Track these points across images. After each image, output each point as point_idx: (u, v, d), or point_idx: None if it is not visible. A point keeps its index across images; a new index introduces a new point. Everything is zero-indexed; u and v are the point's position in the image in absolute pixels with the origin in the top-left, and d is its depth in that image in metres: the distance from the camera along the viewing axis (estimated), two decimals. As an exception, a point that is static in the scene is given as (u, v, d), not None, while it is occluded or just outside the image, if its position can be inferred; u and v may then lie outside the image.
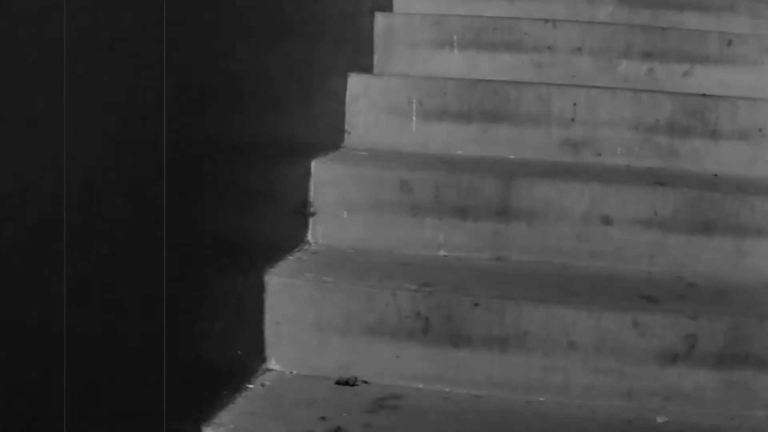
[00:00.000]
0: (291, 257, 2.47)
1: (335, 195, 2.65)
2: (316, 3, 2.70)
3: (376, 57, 3.40)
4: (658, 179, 2.66)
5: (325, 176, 2.65)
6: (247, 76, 2.16)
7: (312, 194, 2.65)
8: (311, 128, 2.72)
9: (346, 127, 3.03)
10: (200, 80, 1.88)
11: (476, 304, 2.21)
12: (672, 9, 3.72)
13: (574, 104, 2.94)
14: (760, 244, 2.54)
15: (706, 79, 3.31)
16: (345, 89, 3.03)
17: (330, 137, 2.93)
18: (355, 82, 3.03)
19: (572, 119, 2.94)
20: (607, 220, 2.53)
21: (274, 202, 2.42)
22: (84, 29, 1.33)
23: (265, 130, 2.32)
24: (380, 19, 3.40)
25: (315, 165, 2.65)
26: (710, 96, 2.99)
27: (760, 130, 2.93)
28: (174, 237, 1.74)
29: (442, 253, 2.59)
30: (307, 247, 2.60)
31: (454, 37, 3.35)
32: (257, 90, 2.23)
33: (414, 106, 2.99)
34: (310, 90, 2.68)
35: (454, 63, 3.36)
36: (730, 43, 3.31)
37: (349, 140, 3.03)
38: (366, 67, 3.33)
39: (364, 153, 2.90)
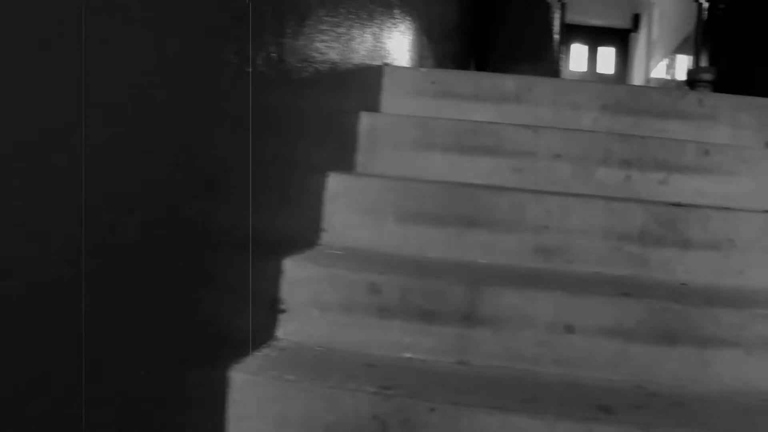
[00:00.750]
0: (258, 353, 2.50)
1: (307, 294, 2.68)
2: (302, 101, 2.76)
3: (359, 156, 3.46)
4: (624, 290, 2.69)
5: (297, 275, 2.69)
6: (223, 168, 2.22)
7: (283, 291, 2.69)
8: (287, 225, 2.76)
9: (324, 226, 3.07)
10: (172, 167, 1.93)
11: (432, 409, 2.23)
12: (654, 117, 3.79)
13: (548, 212, 2.99)
14: (723, 354, 2.57)
15: (682, 187, 3.37)
16: (324, 187, 3.07)
17: (306, 235, 2.98)
18: (334, 181, 3.08)
19: (545, 226, 2.99)
20: (570, 329, 2.56)
21: (244, 298, 2.45)
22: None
23: (237, 224, 2.36)
24: (365, 119, 3.47)
25: (288, 263, 2.69)
26: (682, 206, 3.03)
27: (731, 240, 2.98)
28: (138, 329, 1.78)
29: (407, 355, 2.62)
30: (275, 343, 2.63)
31: (437, 140, 3.42)
32: (232, 182, 2.28)
33: (390, 207, 3.04)
34: (289, 187, 2.73)
35: (437, 165, 3.42)
36: (707, 152, 3.36)
37: (326, 238, 3.07)
38: (349, 166, 3.39)
39: (338, 252, 2.95)
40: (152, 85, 1.78)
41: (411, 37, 4.52)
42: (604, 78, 16.07)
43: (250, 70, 2.29)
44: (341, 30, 3.09)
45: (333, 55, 3.01)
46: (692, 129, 3.78)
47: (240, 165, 2.32)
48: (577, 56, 16.20)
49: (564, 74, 11.03)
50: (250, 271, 2.45)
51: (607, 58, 16.24)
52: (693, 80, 5.05)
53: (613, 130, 3.74)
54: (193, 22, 1.96)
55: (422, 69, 3.98)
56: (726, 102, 3.85)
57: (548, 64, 8.75)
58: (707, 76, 4.94)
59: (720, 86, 4.90)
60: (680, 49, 9.29)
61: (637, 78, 14.42)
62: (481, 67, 8.30)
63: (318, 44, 2.83)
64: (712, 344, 2.58)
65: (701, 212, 3.01)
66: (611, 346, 2.58)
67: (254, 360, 2.45)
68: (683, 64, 9.05)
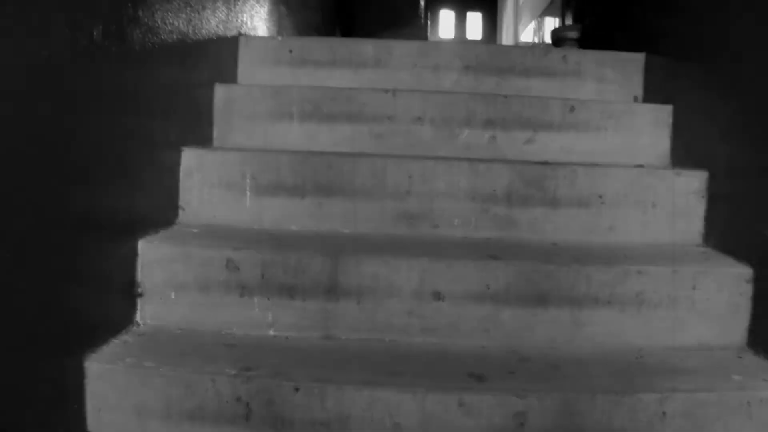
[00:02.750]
0: (116, 340, 2.37)
1: (163, 275, 2.56)
2: (147, 75, 2.60)
3: (215, 129, 3.32)
4: (492, 252, 2.61)
5: (152, 256, 2.56)
6: (66, 148, 2.07)
7: (140, 274, 2.56)
8: (139, 205, 2.61)
9: (180, 203, 2.94)
10: (13, 150, 1.81)
11: (297, 389, 2.13)
12: (518, 75, 3.71)
13: (410, 176, 2.89)
14: (596, 314, 2.51)
15: (549, 145, 3.30)
16: (179, 164, 2.92)
17: (162, 214, 2.83)
18: (188, 156, 2.95)
19: (408, 191, 2.89)
20: (438, 296, 2.47)
21: (97, 283, 2.31)
22: None
23: (86, 206, 2.21)
24: (220, 91, 3.32)
25: (142, 244, 2.56)
26: (549, 164, 2.96)
27: (600, 196, 2.92)
28: None
29: (271, 333, 2.50)
30: (135, 328, 2.50)
31: (294, 108, 3.29)
32: (77, 163, 2.14)
33: (248, 181, 2.91)
34: (138, 166, 2.57)
35: (294, 135, 3.29)
36: (572, 109, 3.30)
37: (183, 216, 2.94)
38: (205, 140, 3.24)
39: (195, 230, 2.81)
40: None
41: (268, 7, 4.37)
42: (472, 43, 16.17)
43: (85, 43, 2.13)
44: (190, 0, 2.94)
45: (181, 26, 2.86)
46: (557, 86, 3.71)
47: (84, 144, 2.18)
48: (445, 22, 16.18)
49: (431, 40, 11.00)
50: (100, 254, 2.31)
51: (475, 24, 16.27)
52: (558, 38, 4.99)
53: (477, 91, 3.64)
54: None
55: (279, 38, 3.83)
56: (590, 57, 3.78)
57: (415, 30, 8.69)
58: (572, 34, 4.89)
59: (586, 44, 4.84)
60: (547, 11, 9.31)
61: (505, 42, 14.48)
62: (347, 35, 8.20)
63: (163, 14, 2.68)
64: (585, 304, 2.52)
65: (569, 169, 2.94)
66: (481, 312, 2.50)
67: (111, 348, 2.32)
68: (551, 27, 9.06)
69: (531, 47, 3.57)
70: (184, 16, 2.88)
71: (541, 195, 2.91)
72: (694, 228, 2.98)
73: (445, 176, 2.91)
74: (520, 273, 2.50)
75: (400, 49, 3.75)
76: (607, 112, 3.34)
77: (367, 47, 3.74)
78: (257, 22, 4.08)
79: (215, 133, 3.32)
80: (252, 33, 3.94)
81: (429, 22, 8.48)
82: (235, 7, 3.63)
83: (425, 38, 8.79)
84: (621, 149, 3.33)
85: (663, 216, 2.96)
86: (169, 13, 2.74)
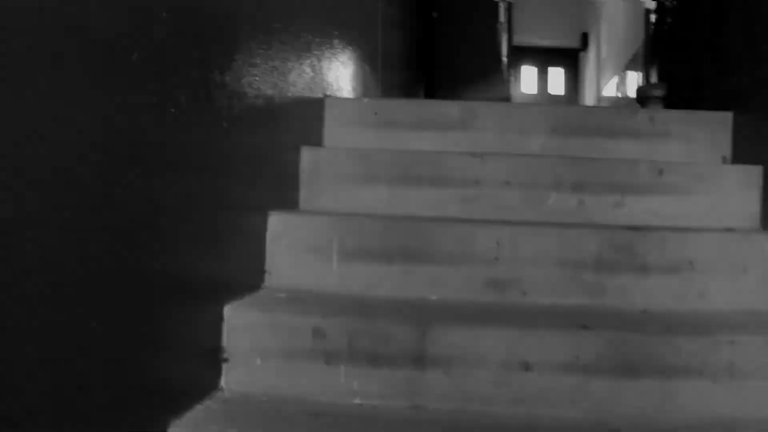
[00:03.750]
0: (200, 406, 2.35)
1: (249, 341, 2.54)
2: (234, 138, 2.63)
3: (302, 193, 3.33)
4: (581, 321, 2.56)
5: (238, 321, 2.56)
6: (155, 212, 2.10)
7: (225, 340, 2.55)
8: (226, 269, 2.62)
9: (267, 267, 2.94)
10: (99, 213, 1.82)
11: (384, 461, 2.10)
12: (605, 137, 3.68)
13: (498, 243, 2.87)
14: (687, 384, 2.45)
15: (637, 208, 3.26)
16: (265, 228, 2.93)
17: (248, 277, 2.83)
18: (275, 221, 2.95)
19: (496, 258, 2.87)
20: (526, 366, 2.43)
21: (182, 348, 2.32)
22: None
23: (173, 271, 2.23)
24: (306, 154, 3.33)
25: (228, 309, 2.56)
26: (638, 229, 2.92)
27: (690, 262, 2.88)
28: (71, 384, 1.68)
29: (357, 401, 2.47)
30: (219, 394, 2.48)
31: (380, 172, 3.29)
32: (164, 227, 2.16)
33: (335, 245, 2.91)
34: (225, 230, 2.58)
35: (381, 199, 3.29)
36: (661, 171, 3.26)
37: (270, 280, 2.93)
38: (291, 204, 3.25)
39: (282, 295, 2.80)
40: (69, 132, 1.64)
41: (353, 67, 4.39)
42: (555, 99, 16.05)
43: (173, 109, 2.16)
44: (275, 63, 2.96)
45: (267, 90, 2.88)
46: (645, 147, 3.67)
47: (172, 209, 2.20)
48: (527, 78, 16.14)
49: (514, 96, 10.97)
50: (187, 319, 2.32)
51: (557, 79, 16.20)
52: (643, 97, 4.94)
53: (564, 153, 3.62)
54: (110, 65, 1.82)
55: (364, 99, 3.84)
56: (677, 118, 3.74)
57: (497, 86, 8.69)
58: (658, 92, 4.84)
59: (671, 102, 4.79)
60: (630, 65, 9.24)
61: (588, 97, 14.41)
62: (431, 93, 8.22)
63: (250, 78, 2.70)
64: (676, 374, 2.46)
65: (658, 235, 2.90)
66: (570, 382, 2.45)
67: (195, 414, 2.30)
68: (634, 81, 9.00)
69: (618, 109, 3.53)
70: (270, 80, 2.91)
71: (630, 261, 2.87)
72: None
73: (533, 243, 2.88)
74: (609, 343, 2.46)
75: (485, 111, 3.74)
76: (695, 175, 3.29)
77: (452, 109, 3.74)
78: (342, 83, 4.10)
79: (302, 197, 3.33)
80: (337, 94, 3.96)
81: (511, 78, 8.50)
82: (320, 69, 3.65)
83: (508, 94, 8.76)
84: (710, 212, 3.28)
85: (754, 281, 2.91)
86: (256, 78, 2.76)
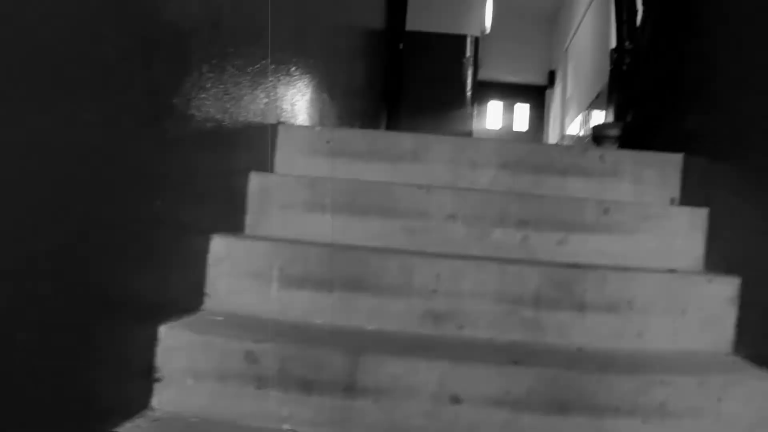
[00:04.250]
0: (130, 424, 2.35)
1: (182, 362, 2.54)
2: (180, 161, 2.65)
3: (249, 217, 3.32)
4: (515, 357, 2.57)
5: (172, 342, 2.55)
6: (92, 231, 2.10)
7: (159, 359, 2.55)
8: (163, 290, 2.61)
9: (207, 290, 2.93)
10: (38, 230, 1.83)
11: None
12: (554, 174, 3.69)
13: (438, 276, 2.87)
14: (617, 423, 2.46)
15: (581, 247, 3.27)
16: (207, 250, 2.94)
17: (187, 299, 2.83)
18: (218, 244, 2.95)
19: (434, 290, 2.87)
20: (456, 399, 2.43)
21: (114, 365, 2.31)
22: None
23: (108, 289, 2.23)
24: (255, 179, 3.33)
25: (163, 329, 2.56)
26: (579, 267, 2.94)
27: (629, 302, 2.89)
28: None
29: (286, 427, 2.47)
30: (150, 413, 2.48)
31: (327, 200, 3.29)
32: (102, 245, 2.17)
33: (275, 271, 2.91)
34: (162, 249, 2.57)
35: (327, 227, 3.29)
36: (606, 210, 3.27)
37: (209, 303, 2.93)
38: (237, 228, 3.25)
39: (219, 318, 2.80)
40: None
41: (310, 95, 4.40)
42: (519, 135, 16.09)
43: (117, 130, 2.17)
44: (227, 87, 2.97)
45: (217, 114, 2.88)
46: (594, 186, 3.68)
47: (110, 226, 2.20)
48: (492, 113, 16.21)
49: (477, 131, 11.00)
50: (120, 338, 2.33)
51: (522, 115, 16.27)
52: (598, 136, 4.97)
53: (513, 188, 3.64)
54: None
55: (317, 128, 3.84)
56: (628, 158, 3.75)
57: (461, 120, 8.73)
58: (612, 132, 4.87)
59: (626, 142, 4.82)
60: (594, 105, 9.29)
61: (552, 134, 14.48)
62: (393, 124, 8.24)
63: (199, 102, 2.70)
64: (607, 413, 2.47)
65: (599, 273, 2.91)
66: (500, 417, 2.45)
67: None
68: (597, 120, 9.05)
69: (569, 147, 3.53)
70: (221, 104, 2.91)
71: (569, 299, 2.88)
72: (725, 336, 2.91)
73: (473, 276, 2.89)
74: (541, 379, 2.46)
75: (438, 144, 3.74)
76: (641, 215, 3.30)
77: (405, 141, 3.74)
78: (298, 110, 4.11)
79: (248, 221, 3.33)
80: (292, 121, 3.96)
81: (475, 113, 8.56)
82: (275, 95, 3.66)
83: (471, 129, 8.77)
84: (655, 252, 3.29)
85: (693, 323, 2.91)
86: (206, 101, 2.76)
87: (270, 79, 3.56)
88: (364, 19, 6.80)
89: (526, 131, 16.16)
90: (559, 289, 2.88)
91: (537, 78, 15.51)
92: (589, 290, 2.88)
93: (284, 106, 3.84)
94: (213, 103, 2.84)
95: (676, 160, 3.72)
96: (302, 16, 4.19)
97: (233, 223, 3.24)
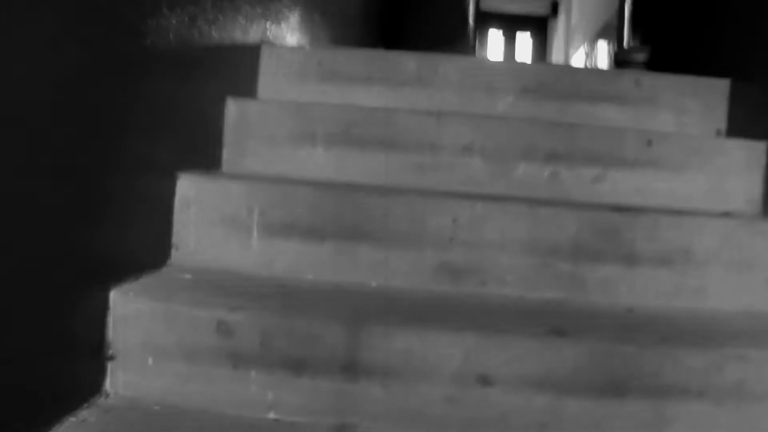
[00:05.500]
0: (73, 419, 1.83)
1: (140, 335, 2.02)
2: (130, 89, 2.11)
3: (225, 152, 2.80)
4: (555, 323, 2.06)
5: (127, 310, 2.04)
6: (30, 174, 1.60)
7: (111, 333, 2.03)
8: (117, 244, 2.09)
9: (174, 241, 2.42)
10: None
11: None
12: (583, 101, 3.16)
13: (455, 220, 2.35)
14: (685, 407, 1.97)
15: (621, 185, 2.77)
16: (173, 193, 2.41)
17: (149, 254, 2.32)
18: (185, 185, 2.43)
19: (451, 239, 2.35)
20: (485, 380, 1.91)
21: (57, 342, 1.80)
22: None
23: (46, 244, 1.73)
24: (233, 107, 2.80)
25: (115, 295, 2.03)
26: (626, 211, 2.42)
27: (686, 252, 2.39)
28: None
29: (271, 416, 1.96)
30: (102, 400, 1.97)
31: (318, 130, 2.75)
32: (42, 190, 1.68)
33: (255, 217, 2.39)
34: (117, 195, 2.06)
35: (319, 162, 2.77)
36: (650, 143, 2.75)
37: (176, 258, 2.42)
38: (212, 164, 2.74)
39: (187, 276, 2.28)
40: None
41: (299, 13, 3.84)
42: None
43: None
44: (200, 1, 2.43)
45: (186, 31, 2.37)
46: (629, 115, 3.16)
47: (53, 171, 1.72)
48: (493, 44, 15.66)
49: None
50: (61, 305, 1.81)
51: (524, 46, 15.73)
52: (623, 61, 4.42)
53: (536, 118, 3.09)
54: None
55: (307, 47, 3.27)
56: (667, 83, 3.22)
57: (463, 49, 8.20)
58: (639, 57, 4.33)
59: (655, 68, 4.27)
60: (601, 34, 8.78)
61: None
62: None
63: (162, 19, 2.17)
64: (672, 395, 1.96)
65: (650, 218, 2.41)
66: (540, 402, 1.94)
67: (67, 428, 1.78)
68: (604, 51, 8.56)
69: (600, 70, 3.00)
70: (192, 21, 2.42)
71: (614, 249, 2.38)
72: None
73: (497, 222, 2.38)
74: (591, 355, 1.94)
75: (447, 65, 3.20)
76: (690, 148, 2.80)
77: (408, 62, 3.19)
78: (285, 30, 3.56)
79: (225, 157, 2.81)
80: (278, 41, 3.41)
81: (477, 42, 8.04)
82: (258, 11, 3.11)
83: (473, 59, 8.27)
84: (705, 192, 2.81)
85: (762, 279, 2.44)
86: (172, 21, 2.26)
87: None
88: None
89: (528, 63, 15.66)
90: (603, 238, 2.38)
91: (539, 8, 14.97)
92: (638, 239, 2.39)
93: (268, 25, 3.28)
94: (181, 21, 2.32)
95: (721, 87, 3.21)
96: None
97: (208, 159, 2.73)
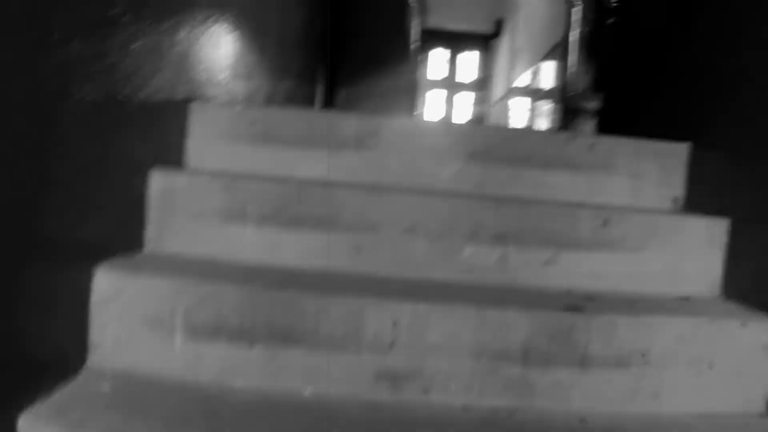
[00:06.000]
0: None
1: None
2: (32, 156, 1.89)
3: (149, 230, 2.59)
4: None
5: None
6: None
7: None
8: (19, 352, 1.86)
9: (93, 339, 2.21)
10: None
11: None
12: (534, 167, 2.97)
13: (395, 323, 2.15)
14: None
15: (574, 268, 2.58)
16: (89, 288, 2.19)
17: (63, 359, 2.09)
18: (103, 280, 2.21)
19: (391, 344, 2.16)
20: None
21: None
22: None
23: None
24: (158, 180, 2.59)
25: (23, 423, 1.84)
26: (580, 311, 2.23)
27: (643, 354, 2.22)
28: None
29: None
30: None
31: (250, 208, 2.55)
32: None
33: (179, 318, 2.18)
34: (25, 292, 1.84)
35: (250, 242, 2.56)
36: (606, 222, 2.58)
37: (94, 360, 2.22)
38: (134, 244, 2.53)
39: (105, 389, 2.07)
40: None
41: (232, 59, 3.62)
42: (463, 85, 15.39)
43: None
44: (113, 54, 2.22)
45: (104, 89, 2.16)
46: (582, 182, 2.98)
47: None
48: (437, 62, 15.47)
49: (422, 82, 10.26)
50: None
51: (468, 64, 15.54)
52: (574, 108, 4.25)
53: (484, 184, 2.92)
54: None
55: (238, 107, 3.04)
56: (623, 147, 3.03)
57: (405, 72, 8.01)
58: (591, 105, 4.16)
59: (606, 118, 4.10)
60: (548, 58, 8.63)
61: (499, 86, 13.80)
62: (333, 79, 7.52)
63: (76, 75, 1.98)
64: None
65: (606, 320, 2.24)
66: None
67: None
68: (549, 73, 8.41)
69: (553, 133, 2.82)
70: (106, 77, 2.20)
71: (568, 352, 2.20)
72: (758, 393, 2.31)
73: (441, 325, 2.19)
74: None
75: (390, 129, 2.99)
76: (648, 227, 2.63)
77: (348, 124, 2.98)
78: (217, 78, 3.33)
79: (148, 234, 2.60)
80: (210, 92, 3.19)
81: (421, 62, 7.81)
82: (187, 61, 2.89)
83: (415, 79, 8.07)
84: (663, 274, 2.63)
85: (720, 378, 2.30)
86: (87, 74, 2.07)
87: (180, 39, 2.80)
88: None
89: (472, 82, 15.45)
90: (555, 340, 2.20)
91: (484, 26, 14.80)
92: (592, 341, 2.20)
93: (199, 76, 3.07)
94: (94, 76, 2.12)
95: (680, 151, 3.03)
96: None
97: (129, 239, 2.51)
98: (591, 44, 4.73)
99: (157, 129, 2.70)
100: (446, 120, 13.37)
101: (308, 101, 6.34)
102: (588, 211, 2.63)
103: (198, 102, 3.02)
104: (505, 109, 11.84)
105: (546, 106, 8.58)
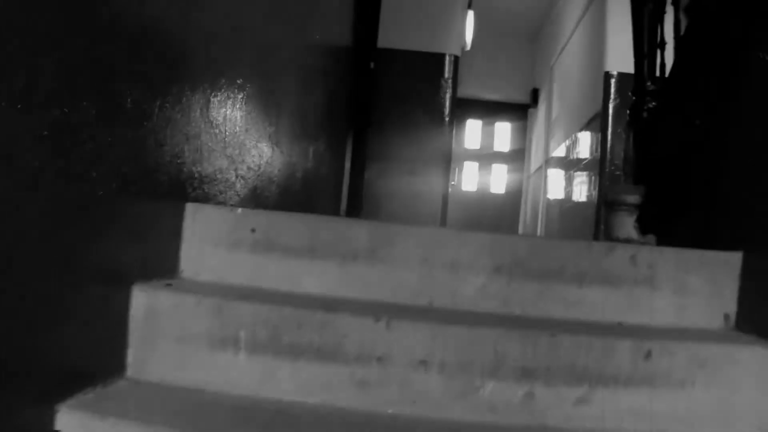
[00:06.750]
0: None
1: None
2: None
3: (130, 354, 2.29)
4: None
5: None
6: None
7: None
8: None
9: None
10: None
11: None
12: (567, 282, 2.65)
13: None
14: None
15: (609, 407, 2.25)
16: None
17: None
18: (70, 421, 1.90)
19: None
20: None
21: None
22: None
23: None
24: (140, 299, 2.29)
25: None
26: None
27: None
28: None
29: None
30: None
31: (241, 333, 2.25)
32: None
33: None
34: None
35: (241, 374, 2.26)
36: (648, 355, 2.25)
37: None
38: (115, 370, 2.22)
39: None
40: None
41: (241, 145, 3.33)
42: (500, 155, 15.10)
43: None
44: (97, 148, 1.95)
45: (81, 190, 1.93)
46: (622, 300, 2.65)
47: None
48: (471, 132, 15.19)
49: (456, 152, 10.00)
50: None
51: (503, 134, 15.25)
52: (613, 202, 3.92)
53: (510, 302, 2.60)
54: None
55: (239, 210, 2.73)
56: (668, 259, 2.70)
57: (438, 143, 7.77)
58: (631, 199, 3.85)
59: (649, 213, 3.77)
60: (585, 128, 8.35)
61: (535, 156, 13.51)
62: (361, 150, 7.30)
63: (49, 174, 1.75)
64: None
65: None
66: None
67: None
68: (587, 145, 8.13)
69: (587, 244, 2.52)
70: (88, 174, 1.92)
71: None
72: None
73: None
74: None
75: (405, 238, 2.68)
76: (696, 359, 2.30)
77: (359, 233, 2.67)
78: (219, 175, 3.05)
79: (129, 359, 2.30)
80: (208, 190, 2.90)
81: (454, 132, 7.60)
82: (182, 157, 2.61)
83: (449, 150, 7.84)
84: (711, 412, 2.30)
85: None
86: (65, 171, 1.84)
87: (173, 130, 2.52)
88: (324, 36, 5.73)
89: (508, 151, 15.17)
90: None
91: (519, 96, 14.54)
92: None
93: (195, 172, 2.77)
94: (79, 173, 1.89)
95: (733, 261, 2.69)
96: (231, 37, 3.13)
97: (109, 364, 2.22)
98: (631, 134, 4.40)
99: (149, 234, 2.43)
100: (481, 191, 13.08)
101: (332, 182, 6.08)
102: (628, 343, 2.31)
103: (194, 203, 2.72)
104: (542, 180, 11.53)
105: (583, 178, 8.29)
